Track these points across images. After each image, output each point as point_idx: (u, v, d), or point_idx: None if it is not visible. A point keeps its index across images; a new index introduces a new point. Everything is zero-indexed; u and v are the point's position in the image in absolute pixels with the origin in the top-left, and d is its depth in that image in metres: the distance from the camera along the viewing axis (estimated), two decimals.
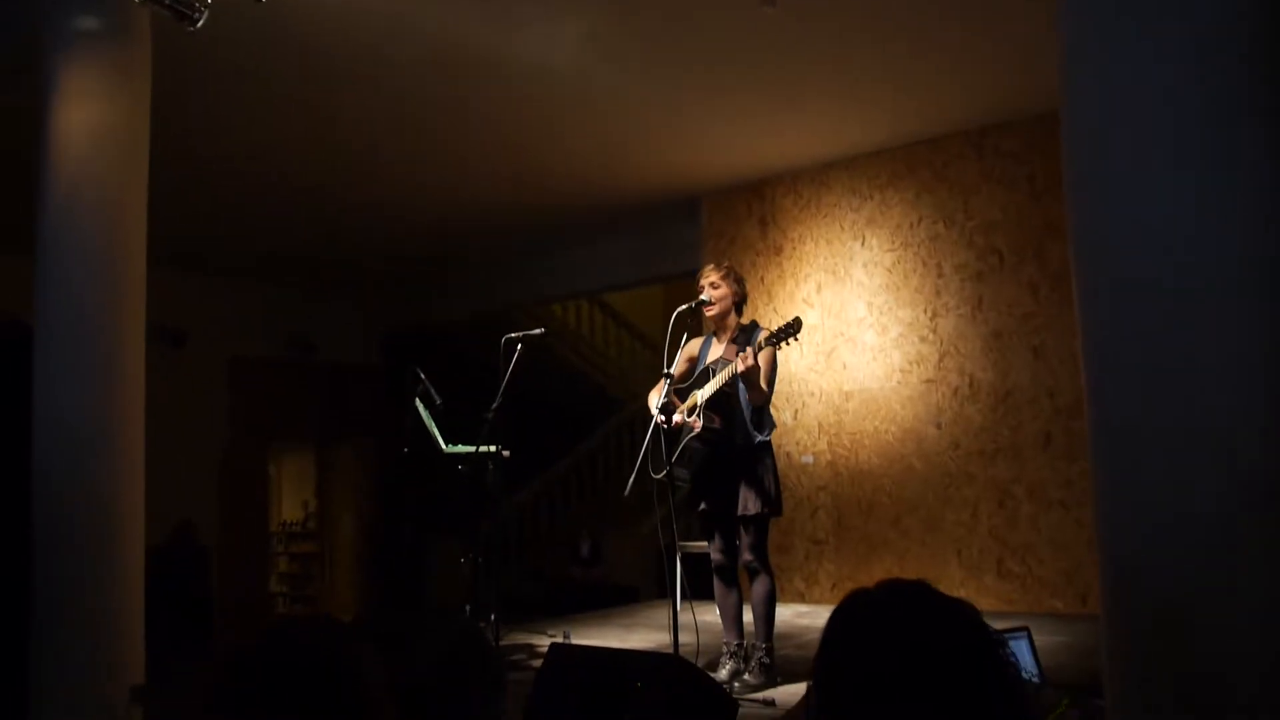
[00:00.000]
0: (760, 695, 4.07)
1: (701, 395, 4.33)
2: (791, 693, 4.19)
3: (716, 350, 4.54)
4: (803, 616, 6.70)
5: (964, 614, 1.45)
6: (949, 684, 1.36)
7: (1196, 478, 2.29)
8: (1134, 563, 2.32)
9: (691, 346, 4.66)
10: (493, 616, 5.23)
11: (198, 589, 9.28)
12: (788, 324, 4.17)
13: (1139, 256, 2.45)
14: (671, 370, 4.43)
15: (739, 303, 4.56)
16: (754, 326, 4.52)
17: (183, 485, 8.81)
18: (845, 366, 7.66)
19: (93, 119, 4.94)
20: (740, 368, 4.13)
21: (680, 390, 4.53)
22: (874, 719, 1.38)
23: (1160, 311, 2.40)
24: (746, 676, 4.30)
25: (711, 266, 4.58)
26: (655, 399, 4.49)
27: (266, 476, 11.50)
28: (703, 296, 4.51)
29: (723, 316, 4.52)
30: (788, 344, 4.19)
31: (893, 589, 1.54)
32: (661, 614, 7.01)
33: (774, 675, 4.34)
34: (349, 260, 10.35)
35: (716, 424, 4.29)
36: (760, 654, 4.34)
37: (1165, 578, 2.25)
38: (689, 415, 4.39)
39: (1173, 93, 2.44)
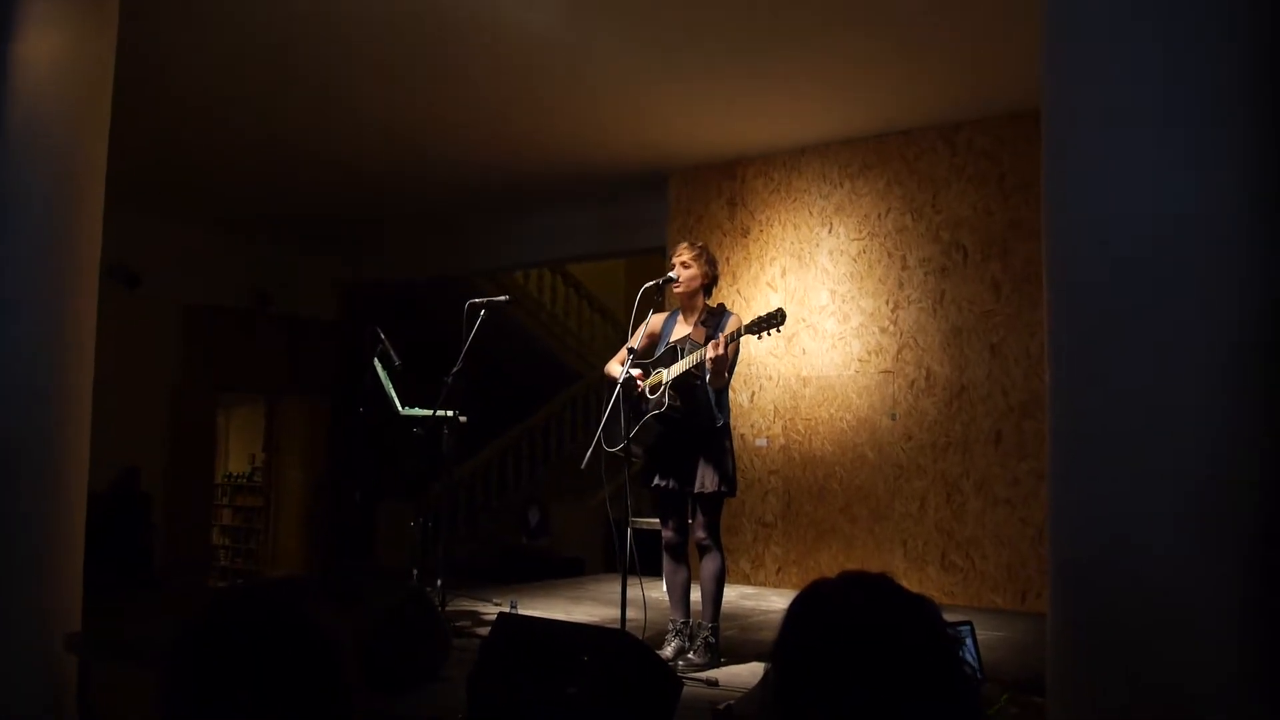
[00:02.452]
0: (704, 675, 4.08)
1: (669, 374, 4.31)
2: (734, 673, 4.22)
3: (682, 329, 4.51)
4: (748, 598, 6.74)
5: (924, 610, 1.46)
6: (904, 677, 1.36)
7: (1155, 482, 2.32)
8: (1087, 565, 2.34)
9: (655, 322, 4.62)
10: (439, 582, 5.20)
11: (138, 538, 9.15)
12: (770, 315, 4.13)
13: (1110, 256, 2.45)
14: (635, 345, 4.41)
15: (708, 284, 4.52)
16: (722, 310, 4.48)
17: (128, 431, 8.65)
18: (805, 352, 7.69)
19: (55, 48, 4.79)
20: (711, 354, 4.10)
21: (640, 364, 4.51)
22: (829, 705, 1.38)
23: (1128, 315, 2.41)
24: (691, 655, 4.31)
25: (685, 245, 4.54)
26: (618, 369, 4.46)
27: (214, 427, 11.34)
28: (671, 274, 4.48)
29: (690, 296, 4.49)
30: (767, 335, 4.16)
31: (855, 580, 1.54)
32: (607, 588, 7.03)
33: (718, 655, 4.36)
34: (311, 213, 10.19)
35: (678, 403, 4.28)
36: (706, 633, 4.35)
37: (1118, 581, 2.28)
38: (652, 392, 4.37)
39: (1152, 92, 2.44)
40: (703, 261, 4.47)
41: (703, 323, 4.44)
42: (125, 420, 8.22)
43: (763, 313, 4.17)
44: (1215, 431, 2.31)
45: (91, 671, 4.93)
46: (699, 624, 4.42)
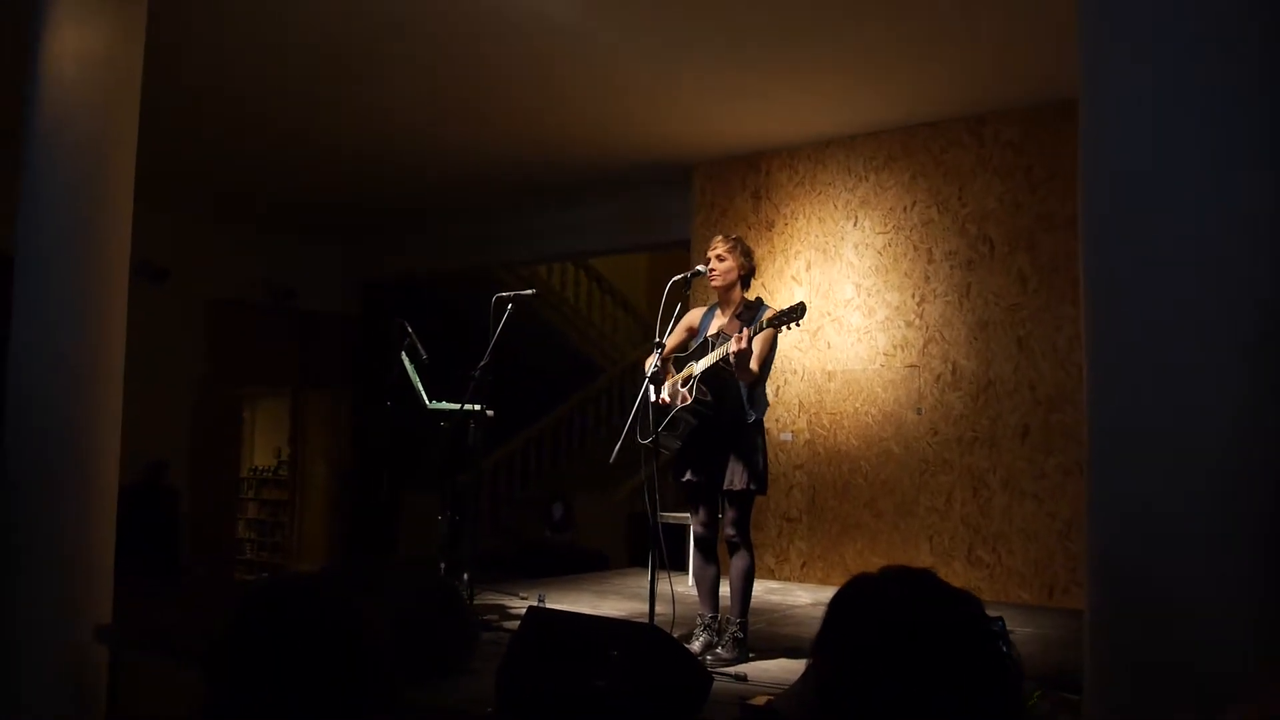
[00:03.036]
0: (733, 670, 4.07)
1: (698, 368, 4.30)
2: (763, 668, 4.21)
3: (718, 322, 4.50)
4: (774, 593, 6.72)
5: (968, 604, 1.45)
6: (947, 672, 1.35)
7: (1190, 477, 2.30)
8: (1125, 560, 2.32)
9: (693, 316, 4.61)
10: (465, 575, 5.21)
11: (165, 531, 9.21)
12: (791, 308, 4.10)
13: (1152, 257, 2.42)
14: (664, 340, 4.40)
15: (745, 276, 4.48)
16: (759, 304, 4.46)
17: (154, 425, 8.70)
18: (830, 346, 7.66)
19: (85, 44, 4.83)
20: (734, 348, 4.08)
21: (678, 359, 4.51)
22: (872, 699, 1.37)
23: (1168, 313, 2.38)
24: (719, 650, 4.31)
25: (721, 237, 4.53)
26: (650, 367, 4.46)
27: (240, 421, 11.42)
28: (700, 267, 4.47)
29: (727, 289, 4.47)
30: (789, 328, 4.14)
31: (898, 574, 1.52)
32: (633, 582, 7.03)
33: (746, 650, 4.35)
34: (334, 208, 10.24)
35: (708, 397, 4.26)
36: (734, 629, 4.34)
37: (1157, 577, 2.26)
38: (683, 385, 4.36)
39: (1194, 94, 2.41)
40: (738, 254, 4.44)
41: (738, 315, 4.41)
42: (151, 414, 8.27)
43: (784, 306, 4.15)
44: (1252, 426, 2.29)
45: (121, 663, 4.98)
46: (727, 619, 4.41)
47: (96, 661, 4.81)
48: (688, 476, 4.39)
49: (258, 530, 12.83)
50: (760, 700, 3.49)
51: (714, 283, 4.46)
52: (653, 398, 4.36)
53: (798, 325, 4.13)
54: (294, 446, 12.29)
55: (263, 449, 12.96)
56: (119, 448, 4.99)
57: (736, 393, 4.29)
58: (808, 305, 4.18)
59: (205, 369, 10.30)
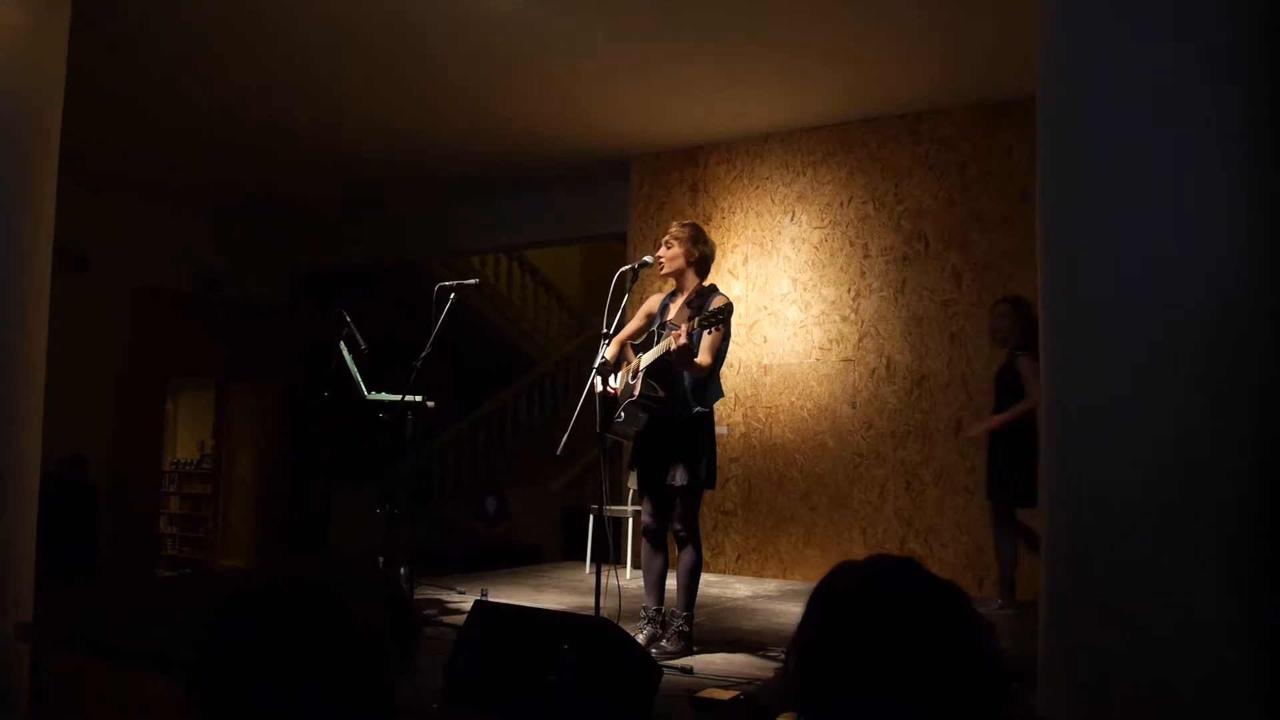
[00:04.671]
0: (679, 662, 4.07)
1: (644, 361, 4.28)
2: (708, 661, 4.21)
3: (673, 310, 4.49)
4: (712, 586, 6.73)
5: (952, 594, 1.44)
6: (932, 661, 1.34)
7: (1142, 458, 2.34)
8: (1080, 543, 2.36)
9: (652, 302, 4.59)
10: (403, 570, 5.13)
11: (84, 526, 8.93)
12: (714, 311, 4.09)
13: (1106, 244, 2.47)
14: (611, 332, 4.37)
15: (697, 263, 4.45)
16: (711, 291, 4.42)
17: (72, 417, 8.41)
18: (766, 340, 7.70)
19: (9, 25, 4.63)
20: (673, 346, 4.06)
21: (636, 345, 4.49)
22: (854, 689, 1.36)
23: (1128, 312, 2.43)
24: (664, 643, 4.29)
25: (675, 224, 4.52)
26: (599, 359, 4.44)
27: (162, 413, 11.10)
28: (647, 258, 4.46)
29: (678, 275, 4.45)
30: (715, 331, 4.13)
31: (881, 562, 1.52)
32: (569, 575, 6.99)
33: (691, 643, 4.34)
34: (263, 195, 10.00)
35: (659, 392, 4.24)
36: (680, 622, 4.33)
37: (1109, 559, 2.30)
38: (632, 378, 4.33)
39: (1151, 91, 2.45)
40: (685, 241, 4.41)
41: (689, 304, 4.40)
42: (70, 406, 8.00)
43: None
44: (1205, 420, 2.34)
45: (43, 661, 4.82)
46: (672, 612, 4.40)
47: (19, 659, 4.64)
48: (636, 468, 4.38)
49: (180, 525, 12.52)
50: (709, 693, 3.49)
51: (662, 270, 4.44)
52: (600, 388, 4.33)
53: (721, 327, 4.13)
54: (218, 439, 12.01)
55: (185, 442, 12.65)
56: (40, 441, 4.82)
57: (684, 386, 4.28)
58: (730, 294, 4.20)
59: (127, 359, 9.99)
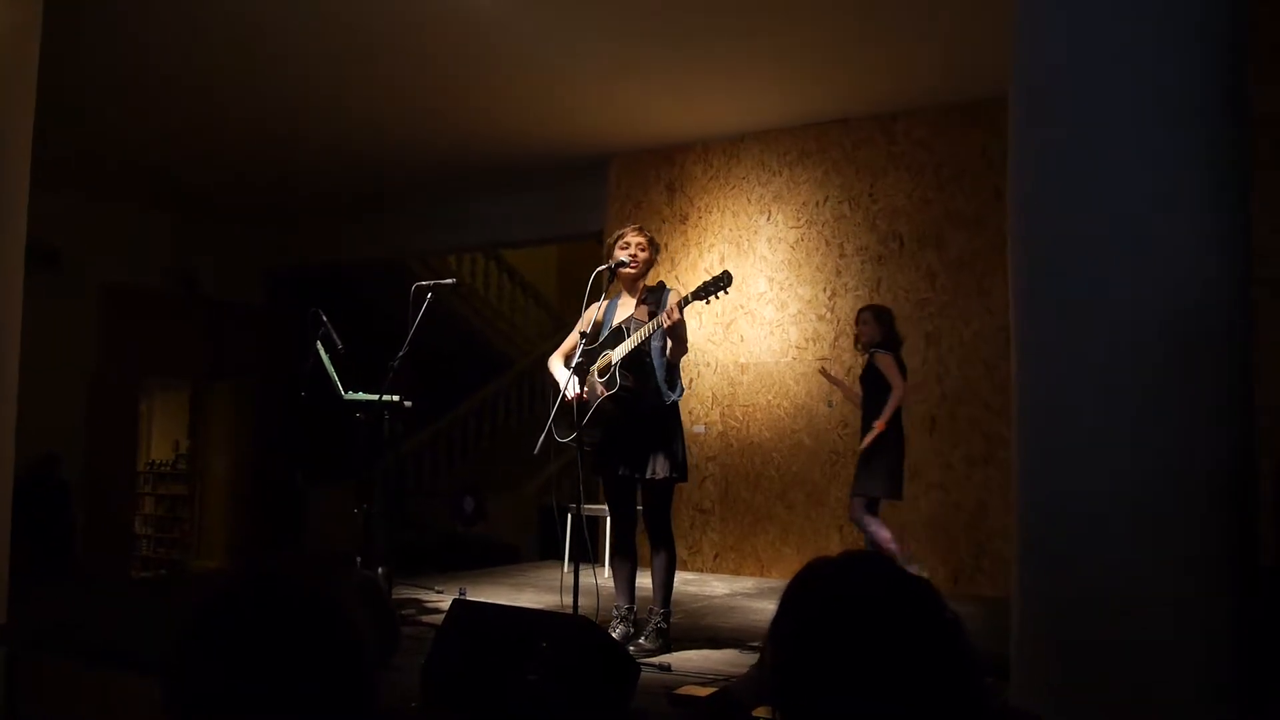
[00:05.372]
0: (656, 660, 4.08)
1: (616, 354, 4.30)
2: (686, 658, 4.23)
3: (624, 311, 4.50)
4: (689, 584, 6.76)
5: (924, 589, 1.47)
6: (905, 656, 1.36)
7: (1112, 455, 2.38)
8: (1052, 540, 2.39)
9: (592, 311, 4.61)
10: (381, 569, 5.12)
11: (57, 527, 8.86)
12: (716, 278, 4.16)
13: (1072, 238, 2.50)
14: (588, 331, 4.38)
15: (650, 267, 4.55)
16: (661, 288, 4.49)
17: (45, 417, 8.34)
18: (743, 339, 7.74)
19: None
20: (666, 322, 4.12)
21: (587, 352, 4.49)
22: (828, 684, 1.37)
23: (1097, 312, 2.46)
24: (642, 640, 4.30)
25: (636, 229, 4.53)
26: (559, 366, 4.46)
27: (137, 413, 11.02)
28: (622, 257, 4.45)
29: (636, 279, 4.49)
30: (715, 298, 4.18)
31: (854, 558, 1.54)
32: (546, 574, 7.01)
33: (669, 641, 4.36)
34: (238, 193, 9.94)
35: (630, 383, 4.26)
36: (658, 619, 4.35)
37: (1081, 554, 2.33)
38: (601, 376, 4.35)
39: (1127, 99, 2.49)
40: (652, 246, 4.50)
41: (644, 301, 4.44)
42: (43, 405, 7.91)
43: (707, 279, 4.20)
44: (1174, 422, 2.38)
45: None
46: (650, 610, 4.42)
47: None
48: (606, 467, 4.39)
49: (155, 526, 12.43)
50: (687, 690, 3.51)
51: (631, 273, 4.45)
52: (573, 392, 4.32)
53: (725, 293, 4.17)
54: (193, 440, 11.93)
55: (160, 442, 12.55)
56: (13, 441, 4.78)
57: (655, 377, 4.31)
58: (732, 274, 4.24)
59: (100, 358, 9.91)
